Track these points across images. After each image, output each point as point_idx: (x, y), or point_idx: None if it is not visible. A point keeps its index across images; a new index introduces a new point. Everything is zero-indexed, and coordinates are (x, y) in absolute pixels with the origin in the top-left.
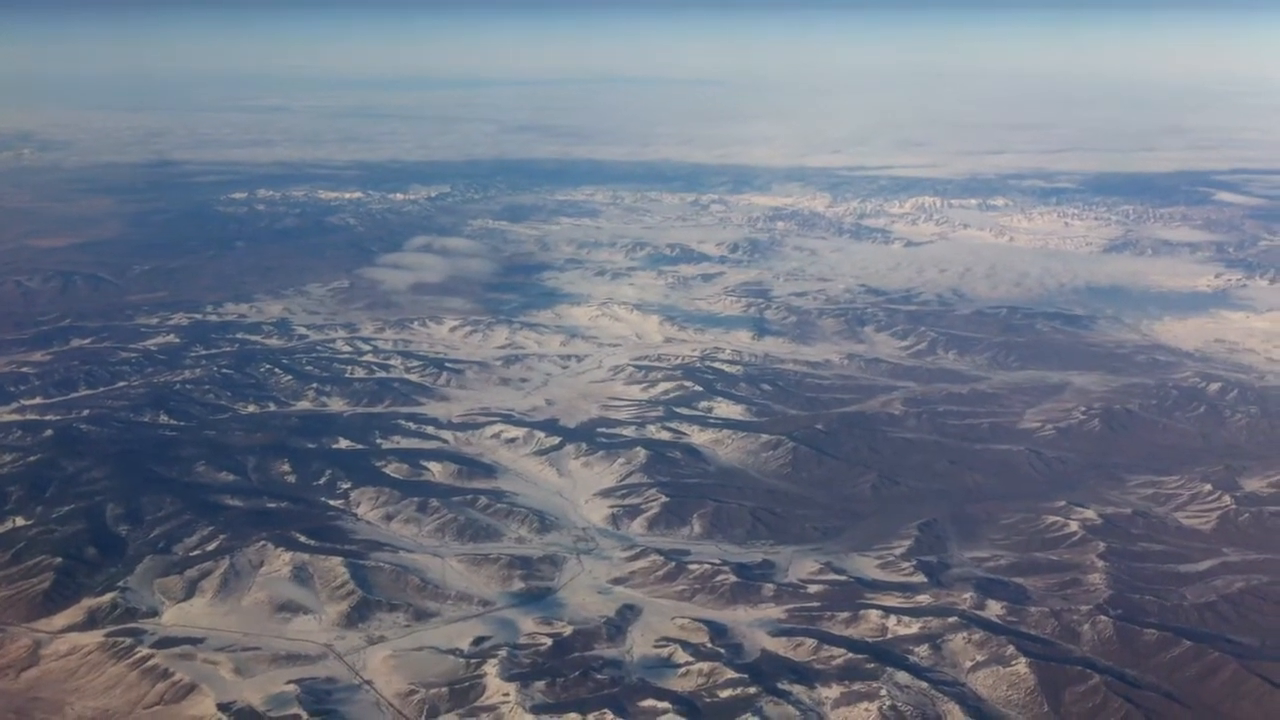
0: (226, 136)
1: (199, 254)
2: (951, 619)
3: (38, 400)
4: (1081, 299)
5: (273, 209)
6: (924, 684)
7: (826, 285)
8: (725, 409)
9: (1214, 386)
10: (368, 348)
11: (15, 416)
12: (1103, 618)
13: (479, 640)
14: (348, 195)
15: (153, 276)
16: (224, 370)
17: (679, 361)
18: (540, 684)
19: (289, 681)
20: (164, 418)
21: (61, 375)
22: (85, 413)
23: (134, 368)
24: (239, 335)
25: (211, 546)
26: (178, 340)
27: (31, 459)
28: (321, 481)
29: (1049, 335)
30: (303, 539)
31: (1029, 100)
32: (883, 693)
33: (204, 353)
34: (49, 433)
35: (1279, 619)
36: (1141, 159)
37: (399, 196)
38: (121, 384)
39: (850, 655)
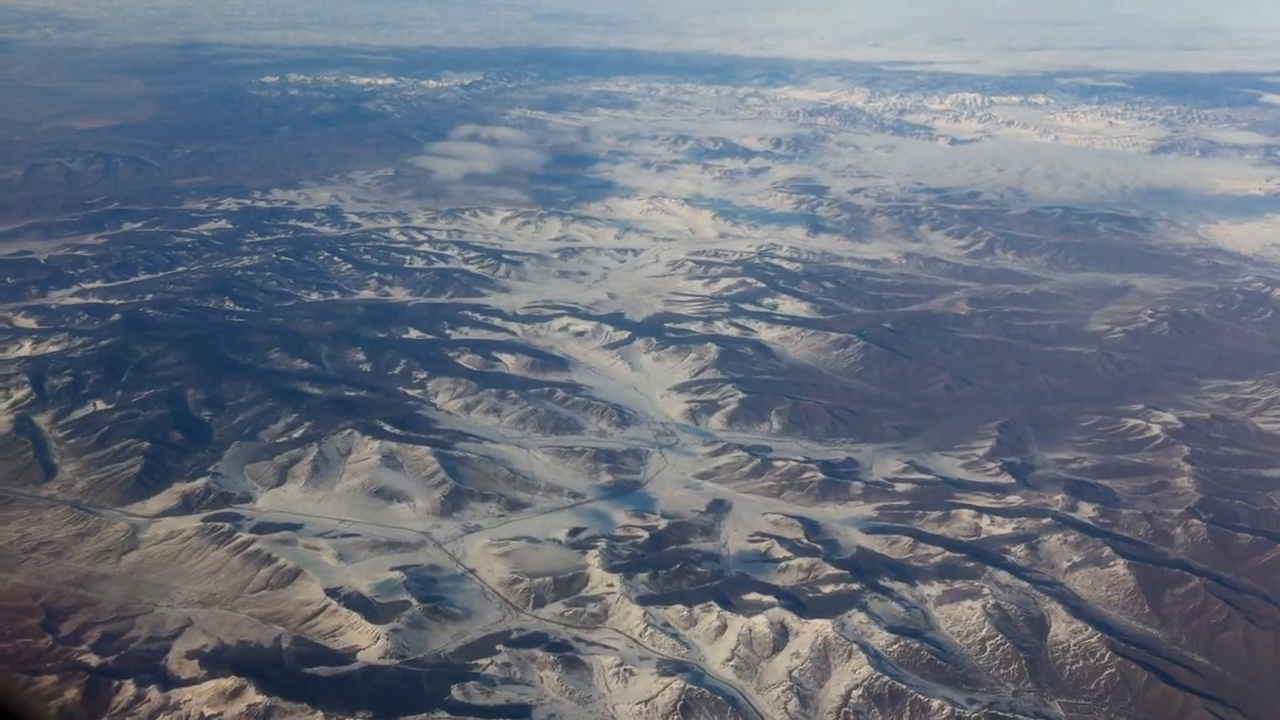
0: (253, 18)
1: (238, 138)
2: (1045, 520)
3: (98, 284)
4: (1135, 200)
5: (306, 94)
6: (1024, 583)
7: (878, 182)
8: (790, 306)
9: (1279, 292)
10: (423, 237)
11: (78, 300)
12: (1195, 521)
13: (575, 531)
14: (380, 81)
15: (194, 160)
16: (283, 257)
17: (737, 257)
18: (643, 576)
19: (394, 568)
20: (229, 304)
21: (119, 259)
22: (149, 297)
23: (191, 253)
24: (291, 222)
25: (297, 434)
26: (230, 226)
27: (103, 343)
28: (397, 371)
29: (1106, 237)
30: (388, 428)
31: None
32: (985, 591)
33: (259, 239)
34: (116, 317)
35: None
36: (1184, 58)
37: (432, 84)
38: (180, 269)
39: (948, 554)
